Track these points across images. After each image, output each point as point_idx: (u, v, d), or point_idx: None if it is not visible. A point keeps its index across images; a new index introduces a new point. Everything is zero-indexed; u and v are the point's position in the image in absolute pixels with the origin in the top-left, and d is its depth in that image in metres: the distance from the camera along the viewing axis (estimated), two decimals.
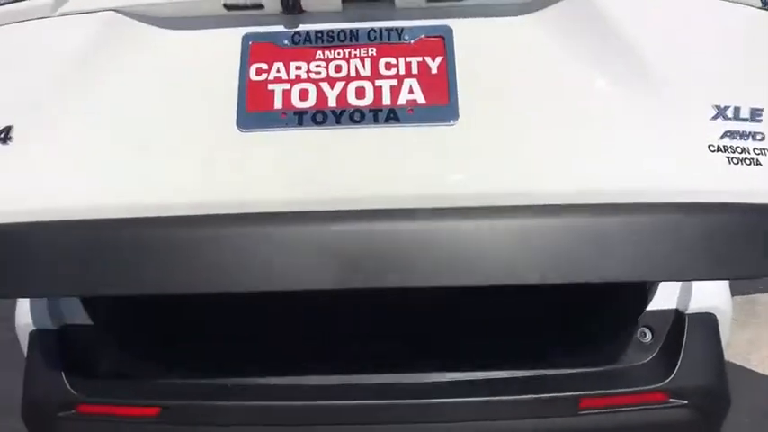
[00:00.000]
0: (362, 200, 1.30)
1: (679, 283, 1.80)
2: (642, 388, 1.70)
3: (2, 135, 1.36)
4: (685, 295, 1.78)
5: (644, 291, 1.81)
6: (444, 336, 1.89)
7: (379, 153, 1.34)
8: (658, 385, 1.69)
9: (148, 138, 1.36)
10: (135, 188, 1.33)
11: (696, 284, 1.78)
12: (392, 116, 1.34)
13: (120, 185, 1.33)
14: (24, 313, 1.94)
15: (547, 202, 1.27)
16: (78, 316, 1.86)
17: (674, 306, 1.80)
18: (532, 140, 1.32)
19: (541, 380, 1.74)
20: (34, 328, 1.90)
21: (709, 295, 1.80)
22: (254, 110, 1.35)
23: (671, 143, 1.29)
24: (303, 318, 2.01)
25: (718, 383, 1.73)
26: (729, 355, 2.45)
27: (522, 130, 1.32)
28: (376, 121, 1.34)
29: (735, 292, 1.99)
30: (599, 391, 1.70)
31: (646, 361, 1.77)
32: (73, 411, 1.77)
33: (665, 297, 1.79)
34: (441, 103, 1.34)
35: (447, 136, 1.32)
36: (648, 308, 1.78)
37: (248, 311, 2.05)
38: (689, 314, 1.77)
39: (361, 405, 1.70)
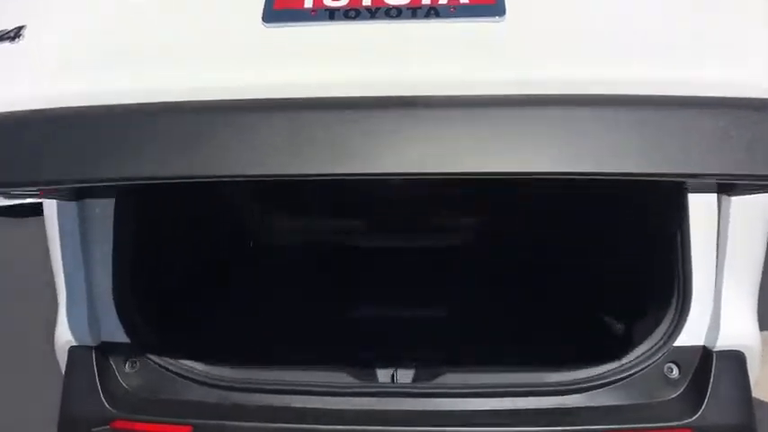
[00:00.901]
0: (398, 85, 1.23)
1: (707, 319, 1.80)
2: (668, 424, 1.70)
3: (12, 34, 1.37)
4: (713, 332, 1.79)
5: (671, 324, 1.82)
6: (470, 365, 1.91)
7: (418, 42, 1.26)
8: (685, 422, 1.69)
9: (167, 32, 1.34)
10: (150, 77, 1.30)
11: (725, 321, 1.79)
12: (432, 12, 1.27)
13: (138, 74, 1.30)
14: (63, 330, 2.00)
15: (602, 92, 1.21)
16: (116, 333, 1.92)
17: (701, 343, 1.80)
18: (588, 33, 1.28)
19: (567, 412, 1.75)
20: (73, 344, 1.96)
21: (738, 333, 1.80)
22: (282, 7, 1.29)
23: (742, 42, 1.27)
24: (340, 342, 2.05)
25: (746, 421, 1.72)
26: (755, 392, 2.42)
27: (578, 24, 1.28)
28: (414, 16, 1.27)
29: (761, 327, 1.98)
30: (625, 426, 1.71)
31: (672, 397, 1.77)
32: (107, 427, 1.82)
33: (693, 333, 1.80)
34: (486, 2, 1.28)
35: (494, 29, 1.26)
36: (675, 343, 1.79)
37: (286, 333, 2.10)
38: (717, 351, 1.77)
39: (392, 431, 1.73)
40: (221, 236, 2.78)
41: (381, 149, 1.19)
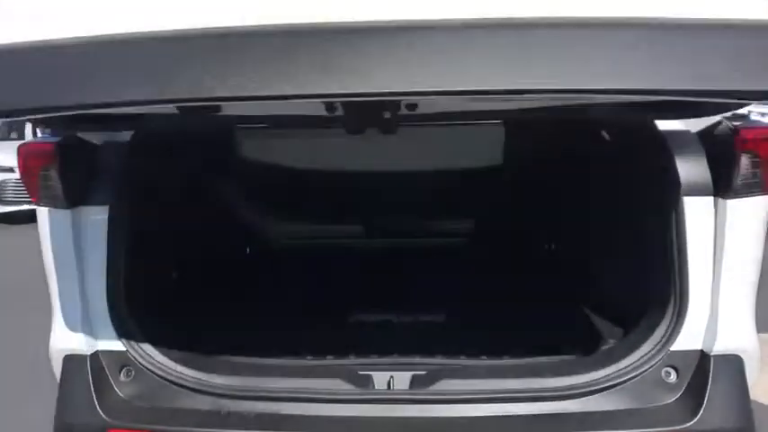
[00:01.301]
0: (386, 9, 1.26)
1: (705, 323, 1.80)
2: (666, 428, 1.69)
3: None
4: (711, 336, 1.78)
5: (668, 328, 1.81)
6: (467, 371, 1.90)
7: None
8: (683, 426, 1.68)
9: None
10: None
11: (722, 325, 1.78)
12: None
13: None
14: (58, 338, 1.99)
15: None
16: (110, 341, 1.91)
17: (699, 347, 1.80)
18: None
19: (565, 417, 1.74)
20: (67, 352, 1.95)
21: (736, 337, 1.79)
22: None
23: None
24: (336, 347, 2.04)
25: (745, 426, 1.71)
26: (754, 395, 2.41)
27: None
28: None
29: (760, 329, 1.97)
30: (622, 431, 1.70)
31: (670, 401, 1.76)
32: None
33: (690, 337, 1.79)
34: None
35: None
36: (673, 348, 1.78)
37: (281, 339, 2.08)
38: (714, 355, 1.77)
39: None
40: (216, 242, 2.77)
41: (375, 69, 1.23)
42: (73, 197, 1.90)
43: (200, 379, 1.85)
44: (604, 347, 1.93)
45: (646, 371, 1.78)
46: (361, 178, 3.25)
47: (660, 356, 1.78)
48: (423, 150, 3.05)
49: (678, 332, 1.78)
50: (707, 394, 1.72)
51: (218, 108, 1.81)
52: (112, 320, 1.90)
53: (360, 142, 3.10)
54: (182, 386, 1.85)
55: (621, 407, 1.76)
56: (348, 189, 3.24)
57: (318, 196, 3.23)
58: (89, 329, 1.93)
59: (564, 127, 3.02)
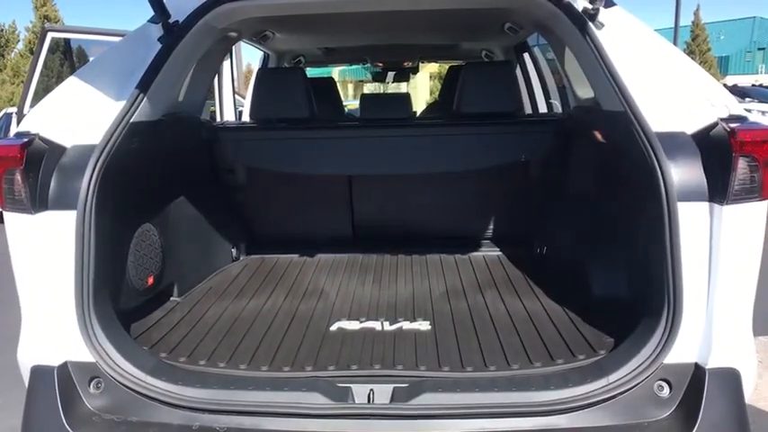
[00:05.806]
0: None
1: (699, 335, 1.71)
2: None
3: None
4: (706, 349, 1.70)
5: (660, 340, 1.73)
6: (451, 384, 1.82)
7: None
8: None
9: None
10: None
11: (718, 337, 1.70)
12: None
13: None
14: (26, 349, 1.92)
15: None
16: (80, 353, 1.83)
17: (693, 360, 1.71)
18: None
19: None
20: (35, 364, 1.87)
21: (732, 349, 1.71)
22: None
23: None
24: (313, 359, 1.96)
25: None
26: (752, 400, 2.32)
27: None
28: None
29: (757, 332, 1.89)
30: None
31: (663, 417, 1.68)
32: None
33: (684, 350, 1.71)
34: None
35: None
36: (666, 360, 1.70)
37: (256, 351, 2.01)
38: (709, 369, 1.68)
39: None
40: (195, 248, 2.69)
41: None
42: (39, 201, 1.82)
43: (172, 392, 1.78)
44: (594, 359, 1.85)
45: (637, 385, 1.70)
46: (351, 182, 3.17)
47: (652, 369, 1.70)
48: (406, 155, 2.99)
49: (671, 344, 1.70)
50: (701, 410, 1.64)
51: None
52: (81, 330, 1.82)
53: (352, 148, 3.04)
54: (153, 399, 1.78)
55: (612, 423, 1.68)
56: (333, 193, 3.17)
57: (304, 201, 3.16)
58: (57, 340, 1.86)
59: (555, 129, 2.95)
